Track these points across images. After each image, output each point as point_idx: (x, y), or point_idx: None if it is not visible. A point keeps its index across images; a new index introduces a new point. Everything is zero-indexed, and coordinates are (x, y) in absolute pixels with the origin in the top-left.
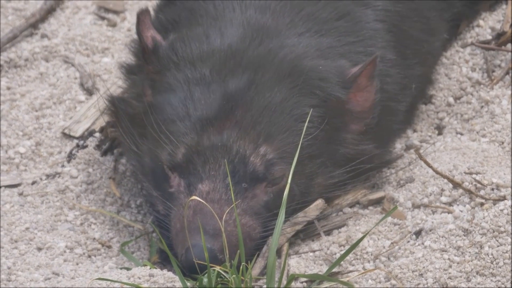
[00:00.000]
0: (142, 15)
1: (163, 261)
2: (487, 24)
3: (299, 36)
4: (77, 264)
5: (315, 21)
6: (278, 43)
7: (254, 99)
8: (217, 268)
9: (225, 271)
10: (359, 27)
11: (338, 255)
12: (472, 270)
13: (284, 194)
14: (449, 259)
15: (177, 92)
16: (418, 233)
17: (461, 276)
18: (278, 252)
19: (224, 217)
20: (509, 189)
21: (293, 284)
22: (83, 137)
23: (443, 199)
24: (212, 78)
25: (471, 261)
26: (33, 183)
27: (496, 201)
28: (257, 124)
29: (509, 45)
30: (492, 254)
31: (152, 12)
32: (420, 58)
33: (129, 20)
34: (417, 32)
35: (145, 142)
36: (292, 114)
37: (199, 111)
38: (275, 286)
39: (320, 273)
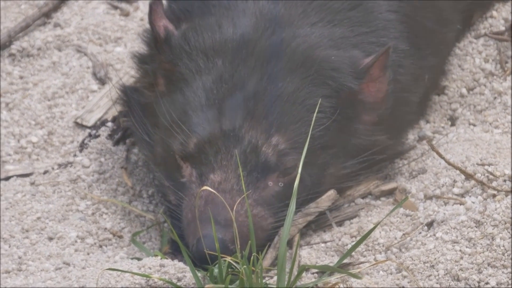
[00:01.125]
0: (154, 4)
1: (174, 252)
2: (501, 15)
3: (312, 26)
4: (88, 254)
5: (328, 11)
6: (291, 33)
7: (266, 89)
8: (228, 258)
9: (236, 262)
10: (372, 17)
11: (349, 246)
12: (483, 261)
13: (295, 184)
14: (460, 250)
15: (190, 82)
16: (430, 225)
17: (472, 268)
18: (290, 243)
19: (235, 208)
20: None
21: (304, 275)
22: (96, 126)
23: (455, 190)
24: (224, 68)
25: (483, 252)
26: (45, 172)
27: (508, 192)
28: (269, 114)
29: None
30: (503, 246)
31: (164, 2)
32: (433, 49)
33: (142, 10)
34: (430, 23)
35: (157, 132)
36: (305, 104)
37: (211, 101)
38: (286, 277)
39: (331, 264)
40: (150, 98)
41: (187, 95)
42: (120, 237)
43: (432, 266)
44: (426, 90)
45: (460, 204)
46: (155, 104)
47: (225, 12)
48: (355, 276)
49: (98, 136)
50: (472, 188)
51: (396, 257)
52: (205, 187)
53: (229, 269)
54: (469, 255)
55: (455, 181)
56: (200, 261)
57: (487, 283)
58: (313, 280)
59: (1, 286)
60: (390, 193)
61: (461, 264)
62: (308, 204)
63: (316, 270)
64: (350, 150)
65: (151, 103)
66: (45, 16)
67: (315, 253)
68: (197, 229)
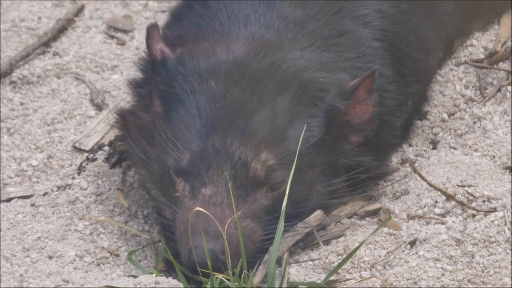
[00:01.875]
0: (151, 29)
1: (169, 269)
2: (480, 44)
3: (301, 51)
4: (87, 272)
5: (317, 37)
6: (281, 57)
7: (256, 109)
8: (220, 275)
9: (227, 279)
10: (359, 44)
11: (336, 264)
12: (464, 278)
13: (283, 204)
14: (442, 268)
15: (184, 102)
16: (412, 243)
17: (453, 285)
18: (279, 261)
19: (225, 220)
20: (500, 201)
21: None
22: (93, 150)
23: (437, 210)
24: (217, 88)
25: (463, 270)
26: (45, 194)
27: (487, 212)
28: (258, 131)
29: (501, 64)
30: (483, 263)
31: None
32: (416, 76)
33: (137, 39)
34: (414, 52)
35: (154, 150)
36: (293, 123)
37: (204, 119)
38: None
39: (318, 281)
40: (146, 119)
41: (181, 114)
42: (117, 255)
43: (415, 283)
44: (410, 116)
45: (441, 224)
46: (151, 125)
47: (219, 38)
48: None
49: (96, 159)
50: (452, 208)
51: (380, 274)
52: (197, 208)
53: (221, 286)
54: (450, 272)
55: (436, 202)
56: (192, 272)
57: None
58: None
59: None
60: (374, 213)
61: (442, 281)
62: (295, 218)
63: (304, 287)
64: (337, 169)
65: (147, 124)
66: (45, 45)
67: (303, 270)
68: (189, 241)
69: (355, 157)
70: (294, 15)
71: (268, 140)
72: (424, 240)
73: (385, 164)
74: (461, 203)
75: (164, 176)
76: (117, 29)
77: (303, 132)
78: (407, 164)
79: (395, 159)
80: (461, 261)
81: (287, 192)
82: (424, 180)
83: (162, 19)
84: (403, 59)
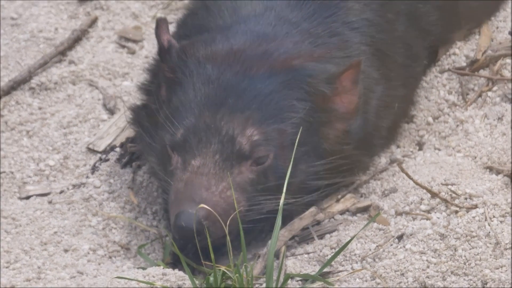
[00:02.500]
0: (160, 21)
1: (175, 262)
2: (462, 53)
3: (294, 44)
4: (99, 264)
5: (310, 35)
6: (274, 46)
7: (246, 89)
8: (222, 268)
9: (229, 271)
10: (347, 45)
11: (329, 257)
12: (447, 270)
13: (280, 202)
14: (427, 260)
15: (183, 84)
16: (400, 237)
17: (437, 276)
18: (277, 254)
19: (211, 189)
20: (481, 198)
21: (289, 282)
22: (106, 151)
23: (422, 207)
24: (212, 71)
25: (447, 262)
26: (61, 192)
27: (469, 209)
28: (246, 109)
29: (481, 71)
30: (465, 256)
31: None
32: (403, 81)
33: (147, 48)
34: (401, 58)
35: (158, 132)
36: (280, 105)
37: (198, 98)
38: (274, 284)
39: (313, 272)
40: (155, 108)
41: (179, 95)
42: (128, 249)
43: (402, 274)
44: (396, 118)
45: (427, 220)
46: (156, 111)
47: (220, 31)
48: (329, 283)
49: (108, 160)
50: (437, 205)
51: (370, 266)
52: (184, 177)
53: (223, 277)
54: (435, 264)
55: (422, 199)
56: (179, 236)
57: None
58: (298, 287)
59: None
60: (365, 210)
61: (427, 272)
62: (279, 193)
63: (300, 278)
64: (321, 153)
65: (155, 111)
66: (61, 54)
67: (299, 263)
68: (176, 207)
69: (339, 144)
70: (290, 16)
71: (254, 118)
72: (410, 235)
73: (368, 160)
74: (445, 200)
75: (164, 154)
76: (127, 39)
77: (291, 114)
78: (395, 164)
79: (384, 160)
80: (445, 254)
81: (284, 191)
82: (411, 179)
83: (170, 30)
84: (390, 64)
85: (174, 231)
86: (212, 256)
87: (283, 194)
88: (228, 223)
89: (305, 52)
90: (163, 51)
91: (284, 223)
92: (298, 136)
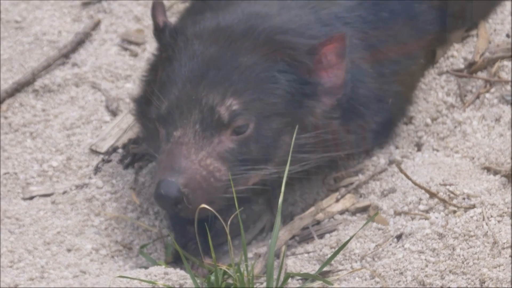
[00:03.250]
0: (157, 4)
1: (176, 261)
2: (460, 55)
3: (283, 23)
4: (102, 263)
5: (301, 19)
6: (260, 22)
7: (227, 62)
8: (223, 267)
9: (230, 270)
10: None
11: (329, 256)
12: (445, 269)
13: (279, 200)
14: (425, 259)
15: (172, 61)
16: (399, 237)
17: (436, 275)
18: (278, 254)
19: (190, 158)
20: (478, 198)
21: (289, 281)
22: (108, 152)
23: (421, 207)
24: (198, 46)
25: (445, 261)
26: (64, 192)
27: (467, 209)
28: (226, 80)
29: (479, 73)
30: (463, 255)
31: None
32: (397, 77)
33: (149, 51)
34: (394, 55)
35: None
36: (261, 76)
37: (183, 73)
38: (274, 283)
39: (313, 272)
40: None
41: (167, 71)
42: (130, 249)
43: (401, 273)
44: (392, 115)
45: (425, 219)
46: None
47: (212, 11)
48: (327, 282)
49: (110, 161)
50: (435, 205)
51: (369, 265)
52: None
53: (224, 276)
54: (433, 263)
55: (420, 199)
56: (159, 204)
57: None
58: (298, 286)
59: None
60: (364, 209)
61: (426, 271)
62: (262, 163)
63: (300, 277)
64: (306, 125)
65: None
66: (64, 56)
67: (299, 262)
68: (156, 177)
69: (325, 117)
70: (283, 3)
71: (234, 88)
72: (409, 234)
73: (352, 139)
74: (443, 200)
75: (155, 132)
76: (130, 42)
77: (272, 85)
78: (394, 165)
79: (383, 160)
80: (443, 253)
81: (283, 186)
82: (409, 179)
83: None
84: (383, 61)
85: (154, 200)
86: (213, 255)
87: (281, 195)
88: (209, 191)
89: (291, 29)
90: (157, 31)
91: (267, 196)
92: (280, 107)
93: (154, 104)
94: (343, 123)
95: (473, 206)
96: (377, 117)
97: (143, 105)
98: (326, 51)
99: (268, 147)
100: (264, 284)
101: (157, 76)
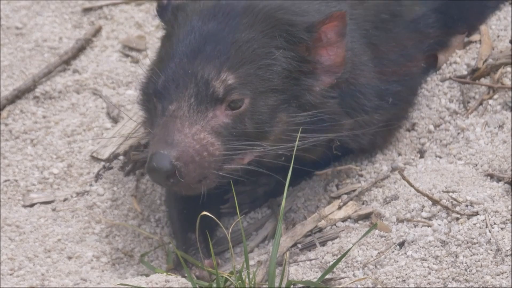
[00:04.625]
0: None
1: (178, 268)
2: (463, 61)
3: (284, 3)
4: (103, 271)
5: (303, 7)
6: (262, 1)
7: (225, 37)
8: (225, 275)
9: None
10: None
11: (331, 263)
12: (448, 276)
13: (281, 207)
14: (428, 267)
15: (170, 36)
16: (401, 244)
17: (438, 282)
18: (280, 261)
19: (184, 131)
20: (481, 205)
21: None
22: (109, 159)
23: (424, 214)
24: (196, 22)
25: (448, 268)
26: (65, 200)
27: (470, 216)
28: (222, 55)
29: (482, 80)
30: (466, 263)
31: None
32: (398, 78)
33: (150, 57)
34: (395, 56)
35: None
36: (258, 52)
37: (180, 47)
38: None
39: (315, 279)
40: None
41: (166, 47)
42: (131, 256)
43: (404, 281)
44: (392, 116)
45: (428, 226)
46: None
47: None
48: None
49: (111, 168)
50: (438, 212)
51: (372, 273)
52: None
53: (226, 283)
54: (436, 271)
55: (423, 206)
56: (151, 177)
57: None
58: None
59: None
60: (366, 217)
61: (429, 279)
62: (257, 140)
63: (301, 285)
64: (303, 104)
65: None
66: (65, 63)
67: (301, 269)
68: (149, 150)
69: (323, 96)
70: None
71: (230, 63)
72: (412, 242)
73: (349, 121)
74: (446, 208)
75: (153, 111)
76: (131, 48)
77: (266, 59)
78: (396, 172)
79: (385, 167)
80: (446, 261)
81: (283, 204)
82: (412, 186)
83: None
84: (383, 60)
85: (147, 173)
86: (215, 262)
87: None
88: (202, 165)
89: (291, 10)
90: (160, 8)
91: (271, 203)
92: (277, 83)
93: (152, 80)
94: (341, 103)
95: (476, 213)
96: (377, 115)
97: (146, 90)
98: (326, 29)
99: (264, 124)
100: None
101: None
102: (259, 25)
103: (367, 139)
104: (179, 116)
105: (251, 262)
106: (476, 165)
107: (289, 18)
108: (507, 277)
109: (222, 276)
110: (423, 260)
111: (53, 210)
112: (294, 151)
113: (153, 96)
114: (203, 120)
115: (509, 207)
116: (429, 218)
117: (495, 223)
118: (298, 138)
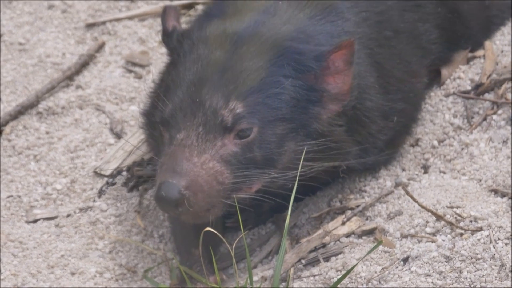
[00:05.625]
0: (169, 8)
1: (181, 284)
2: (467, 77)
3: (290, 31)
4: (106, 287)
5: (307, 30)
6: (267, 29)
7: (232, 66)
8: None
9: None
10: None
11: (335, 279)
12: None
13: (286, 222)
14: (432, 282)
15: (176, 64)
16: (405, 260)
17: None
18: (285, 277)
19: (192, 160)
20: (486, 221)
21: None
22: (112, 175)
23: (428, 230)
24: (203, 50)
25: (452, 284)
26: (68, 215)
27: (474, 231)
28: (230, 83)
29: (486, 95)
30: (470, 278)
31: None
32: (402, 95)
33: (153, 73)
34: (399, 73)
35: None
36: (266, 80)
37: (188, 76)
38: None
39: None
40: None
41: (172, 74)
42: (134, 272)
43: None
44: (396, 133)
45: (432, 242)
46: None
47: (218, 17)
48: None
49: (115, 184)
50: (442, 228)
51: None
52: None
53: None
54: (440, 286)
55: (427, 222)
56: (160, 207)
57: None
58: None
59: None
60: (370, 232)
61: None
62: (266, 167)
63: None
64: (311, 132)
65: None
66: (68, 79)
67: (305, 285)
68: (158, 179)
69: (330, 125)
70: (290, 14)
71: (238, 92)
72: (416, 257)
73: (354, 148)
74: (450, 223)
75: (160, 137)
76: (134, 64)
77: (274, 88)
78: (400, 187)
79: (389, 183)
80: (450, 276)
81: (290, 209)
82: (416, 201)
83: None
84: (388, 78)
85: (155, 202)
86: (218, 278)
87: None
88: (211, 194)
89: (298, 37)
90: (165, 35)
91: (275, 219)
92: (285, 112)
93: (159, 108)
94: (348, 131)
95: (480, 229)
96: (382, 135)
97: (150, 117)
98: (335, 58)
99: (272, 152)
100: None
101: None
102: (267, 53)
103: (373, 159)
104: (187, 145)
105: (255, 278)
106: (480, 180)
107: (297, 46)
108: None
109: None
110: (427, 275)
111: (56, 226)
112: (297, 179)
113: (160, 124)
114: (212, 149)
115: None
116: (433, 234)
117: (499, 239)
118: (305, 166)
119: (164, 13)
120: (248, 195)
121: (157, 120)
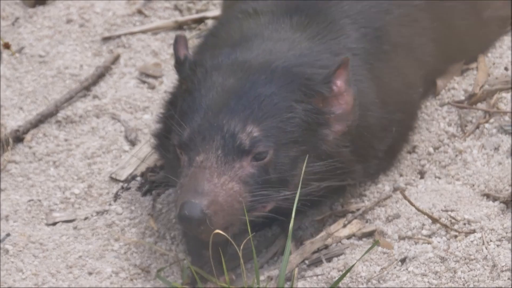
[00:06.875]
0: (180, 37)
1: (193, 283)
2: (461, 87)
3: (296, 57)
4: (122, 286)
5: (312, 51)
6: (276, 58)
7: (247, 92)
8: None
9: None
10: (350, 67)
11: (336, 279)
12: None
13: (289, 228)
14: (428, 282)
15: (191, 91)
16: (403, 261)
17: None
18: (290, 277)
19: (213, 181)
20: (478, 224)
21: None
22: (127, 180)
23: (424, 232)
24: (217, 78)
25: (447, 283)
26: (85, 218)
27: (467, 234)
28: (246, 109)
29: (479, 104)
30: (464, 278)
31: None
32: (400, 106)
33: (166, 84)
34: (397, 85)
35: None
36: (279, 105)
37: (204, 102)
38: None
39: None
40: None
41: (187, 101)
42: (148, 272)
43: None
44: (395, 141)
45: (428, 244)
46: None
47: (228, 46)
48: None
49: (129, 188)
50: (437, 230)
51: (375, 287)
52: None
53: None
54: (436, 286)
55: (423, 225)
56: (183, 226)
57: None
58: None
59: None
60: (370, 234)
61: None
62: (280, 187)
63: None
64: (320, 154)
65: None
66: (86, 89)
67: (308, 284)
68: (180, 199)
69: (337, 146)
70: (293, 36)
71: (254, 116)
72: (413, 258)
73: (360, 168)
74: (445, 226)
75: (176, 160)
76: (148, 75)
77: (287, 112)
78: (398, 192)
79: (387, 188)
80: (445, 276)
81: (293, 213)
82: (413, 205)
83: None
84: (387, 91)
85: (178, 221)
86: (227, 278)
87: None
88: (230, 212)
89: (306, 63)
90: (178, 64)
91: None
92: (297, 135)
93: (176, 132)
94: (354, 151)
95: (473, 231)
96: (382, 146)
97: (162, 138)
98: (336, 79)
99: (286, 173)
100: None
101: (174, 110)
102: (278, 80)
103: (374, 168)
104: (207, 166)
105: (262, 278)
106: (473, 185)
107: (305, 71)
108: None
109: None
110: (424, 275)
111: (75, 228)
112: (296, 194)
113: (178, 147)
114: (231, 170)
115: (505, 225)
116: (429, 236)
117: (491, 240)
118: (314, 185)
119: (176, 43)
120: (262, 213)
121: (175, 143)
